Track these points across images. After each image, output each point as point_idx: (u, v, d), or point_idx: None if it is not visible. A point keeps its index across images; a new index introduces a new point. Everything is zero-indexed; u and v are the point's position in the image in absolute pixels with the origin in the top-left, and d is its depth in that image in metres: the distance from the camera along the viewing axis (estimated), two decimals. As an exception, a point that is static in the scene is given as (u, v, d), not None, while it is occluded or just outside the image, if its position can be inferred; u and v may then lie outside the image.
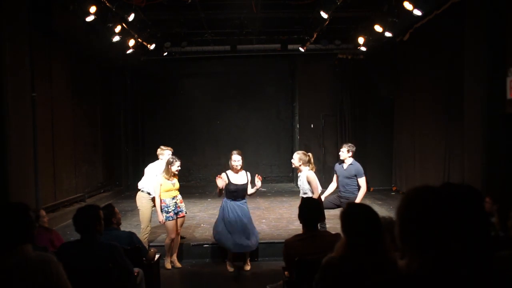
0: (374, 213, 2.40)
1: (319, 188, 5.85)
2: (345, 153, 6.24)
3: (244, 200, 5.93)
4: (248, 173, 5.96)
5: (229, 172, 5.87)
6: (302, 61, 12.18)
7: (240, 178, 5.85)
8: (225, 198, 5.91)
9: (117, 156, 12.03)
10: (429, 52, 9.08)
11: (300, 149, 12.32)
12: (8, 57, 5.67)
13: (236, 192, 5.80)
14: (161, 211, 5.80)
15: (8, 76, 5.68)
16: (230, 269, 5.96)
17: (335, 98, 11.95)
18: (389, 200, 9.97)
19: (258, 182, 5.72)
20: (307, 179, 5.81)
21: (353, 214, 2.45)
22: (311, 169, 5.87)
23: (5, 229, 2.24)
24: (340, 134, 11.90)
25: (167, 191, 5.84)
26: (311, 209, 3.60)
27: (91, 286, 3.21)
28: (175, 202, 5.92)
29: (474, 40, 6.24)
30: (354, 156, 6.41)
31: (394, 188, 11.43)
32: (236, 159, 5.78)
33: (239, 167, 5.79)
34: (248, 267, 6.01)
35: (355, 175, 6.18)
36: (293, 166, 6.03)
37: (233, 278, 5.83)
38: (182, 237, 6.51)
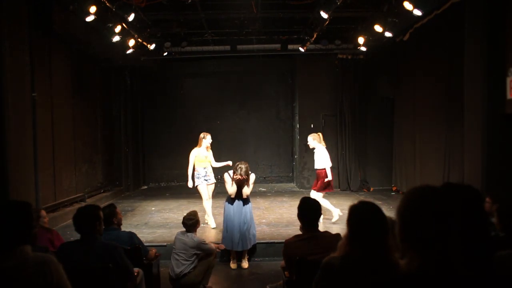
0: (383, 214, 2.41)
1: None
2: None
3: (240, 201, 6.16)
4: (252, 175, 6.17)
5: (230, 172, 6.20)
6: (302, 61, 12.17)
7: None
8: None
9: (117, 156, 12.02)
10: (429, 52, 9.08)
11: (300, 149, 12.35)
12: (8, 57, 5.68)
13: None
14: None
15: (8, 76, 5.68)
16: (233, 266, 6.15)
17: (335, 98, 11.94)
18: (389, 200, 9.95)
19: None
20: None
21: (363, 209, 2.45)
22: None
23: (5, 228, 2.20)
24: (340, 134, 11.90)
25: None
26: (311, 209, 3.60)
27: (91, 286, 3.21)
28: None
29: (474, 40, 6.24)
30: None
31: (394, 188, 11.42)
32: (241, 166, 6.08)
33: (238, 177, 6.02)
34: (246, 265, 6.14)
35: None
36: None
37: (234, 277, 5.84)
38: None
